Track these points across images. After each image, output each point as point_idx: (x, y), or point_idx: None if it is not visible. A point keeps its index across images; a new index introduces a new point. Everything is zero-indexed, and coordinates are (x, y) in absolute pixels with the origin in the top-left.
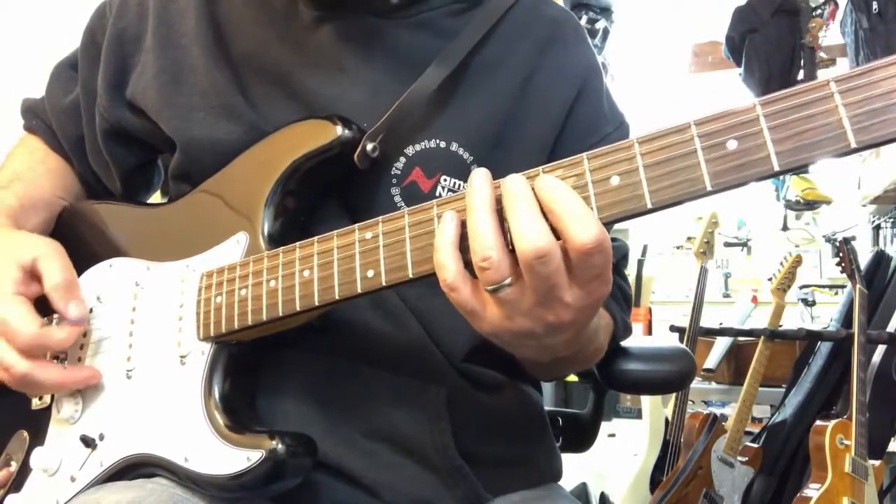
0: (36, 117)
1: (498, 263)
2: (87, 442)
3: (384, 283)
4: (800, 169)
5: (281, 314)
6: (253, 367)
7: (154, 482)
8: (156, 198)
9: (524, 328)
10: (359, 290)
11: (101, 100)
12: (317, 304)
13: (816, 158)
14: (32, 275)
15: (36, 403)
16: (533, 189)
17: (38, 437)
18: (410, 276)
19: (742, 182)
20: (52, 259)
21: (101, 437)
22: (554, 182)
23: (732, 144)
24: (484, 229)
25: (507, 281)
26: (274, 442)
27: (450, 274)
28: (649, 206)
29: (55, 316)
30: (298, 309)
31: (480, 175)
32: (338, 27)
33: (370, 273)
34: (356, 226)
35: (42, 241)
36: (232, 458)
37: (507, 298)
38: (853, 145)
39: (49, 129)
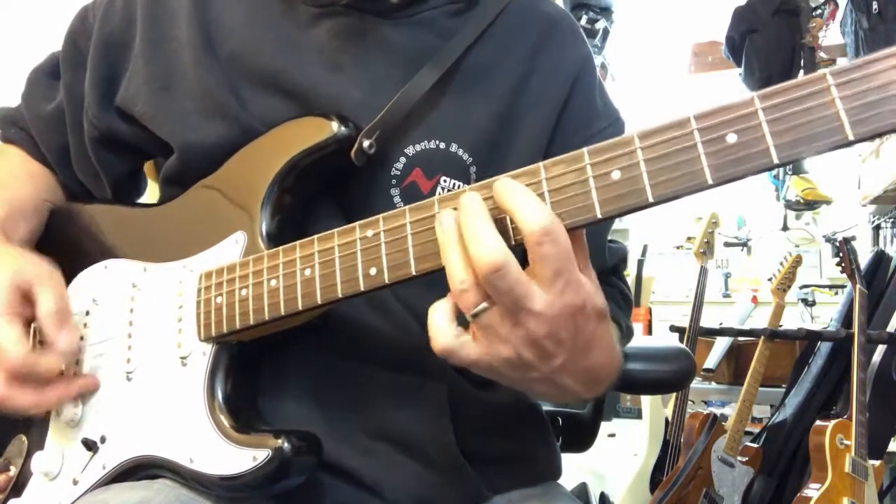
0: (13, 126)
1: (472, 285)
2: (89, 445)
3: (387, 281)
4: (799, 161)
5: (283, 313)
6: (254, 367)
7: (159, 483)
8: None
9: (508, 354)
10: (361, 288)
11: (89, 107)
12: (319, 302)
13: (815, 151)
14: (26, 297)
15: None
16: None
17: (37, 442)
18: (413, 272)
19: (742, 175)
20: (48, 286)
21: (103, 440)
22: (506, 183)
23: (732, 138)
24: (454, 260)
25: (484, 305)
26: (279, 440)
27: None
28: (651, 200)
29: (34, 327)
30: (301, 308)
31: (448, 214)
32: (336, 25)
33: (373, 271)
34: (357, 224)
35: (40, 265)
36: (238, 458)
37: (486, 322)
38: (850, 137)
39: (29, 138)
